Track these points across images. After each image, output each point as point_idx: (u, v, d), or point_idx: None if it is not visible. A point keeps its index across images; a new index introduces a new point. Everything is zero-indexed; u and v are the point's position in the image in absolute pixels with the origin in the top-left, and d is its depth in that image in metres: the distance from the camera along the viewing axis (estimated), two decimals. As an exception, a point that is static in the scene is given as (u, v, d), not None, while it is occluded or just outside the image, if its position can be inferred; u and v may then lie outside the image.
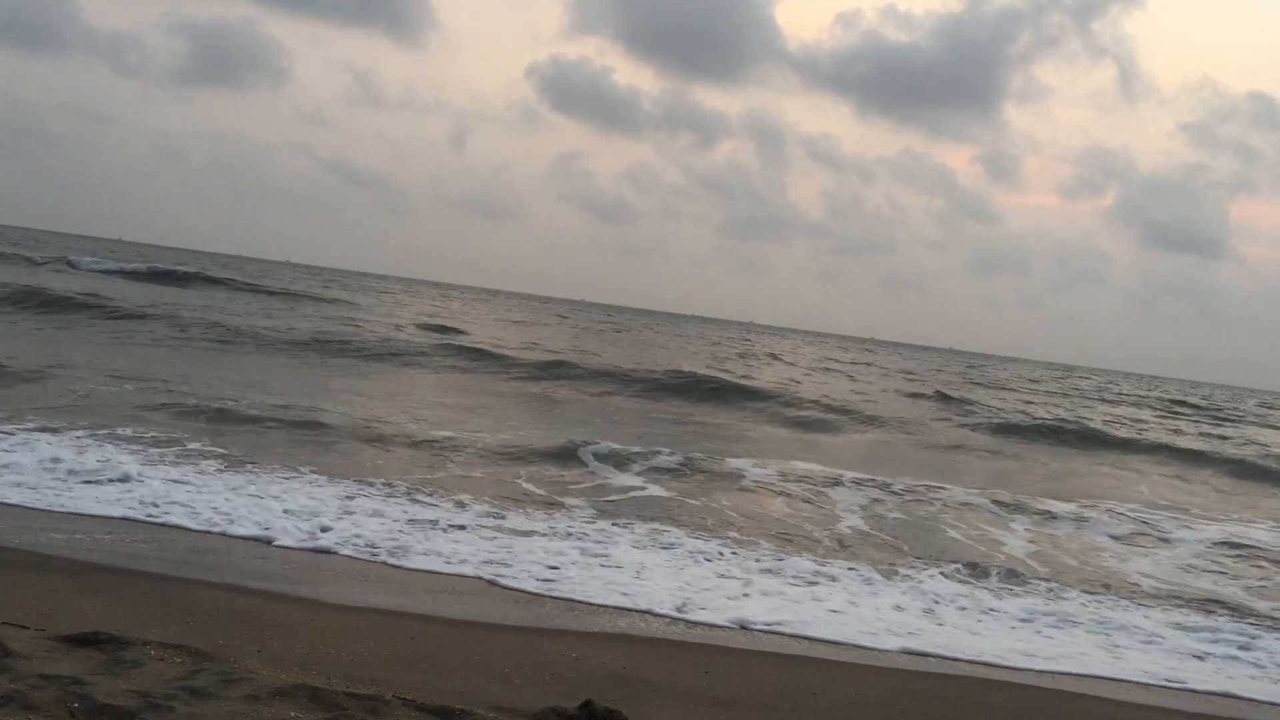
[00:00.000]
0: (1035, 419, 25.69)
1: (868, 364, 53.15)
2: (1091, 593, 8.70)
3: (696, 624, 6.56)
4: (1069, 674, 6.46)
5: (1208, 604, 8.81)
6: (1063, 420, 26.12)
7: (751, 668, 5.74)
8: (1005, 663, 6.47)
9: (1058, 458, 20.12)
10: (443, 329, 33.84)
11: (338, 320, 31.95)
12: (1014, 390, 43.66)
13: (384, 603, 6.17)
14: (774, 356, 47.71)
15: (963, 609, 7.72)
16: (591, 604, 6.72)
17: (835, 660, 6.17)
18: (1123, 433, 25.58)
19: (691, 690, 5.10)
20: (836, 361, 50.74)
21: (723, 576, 7.78)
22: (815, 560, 8.69)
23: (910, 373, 48.70)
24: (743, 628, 6.58)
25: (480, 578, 7.01)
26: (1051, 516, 12.38)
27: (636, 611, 6.64)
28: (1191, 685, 6.49)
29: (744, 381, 25.83)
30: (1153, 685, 6.44)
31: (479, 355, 25.73)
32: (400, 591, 6.50)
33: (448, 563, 7.29)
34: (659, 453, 13.24)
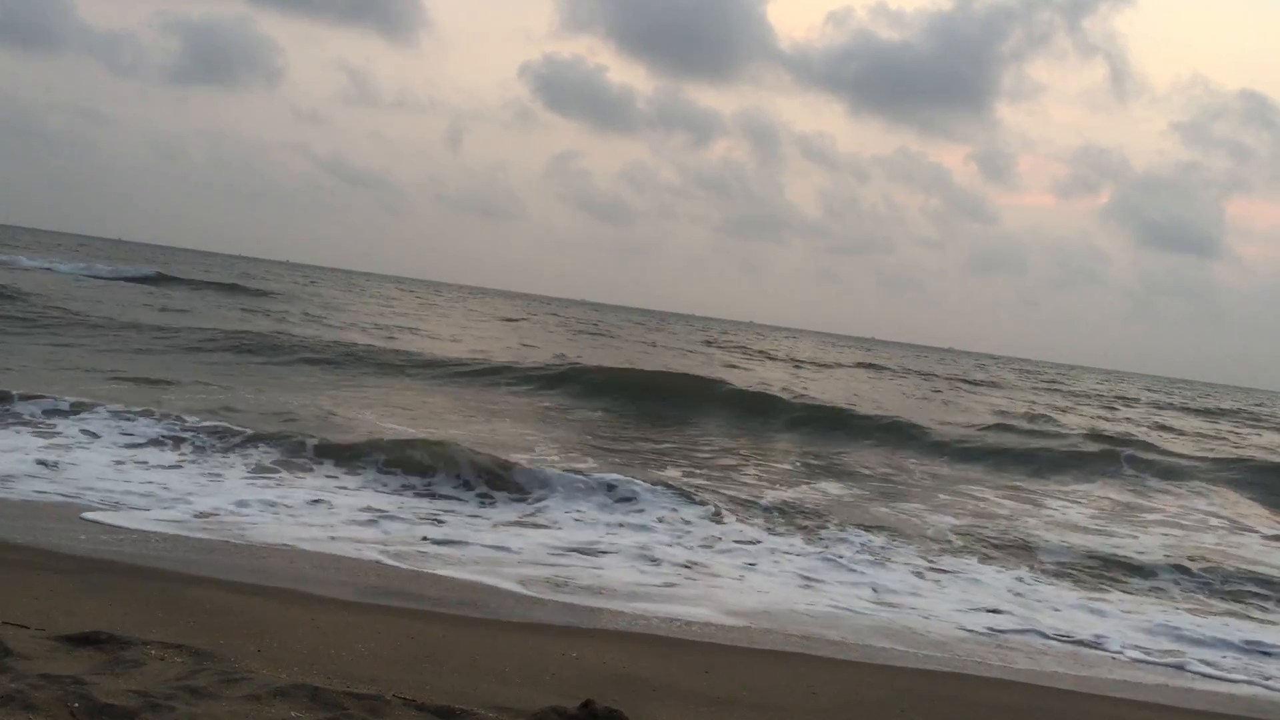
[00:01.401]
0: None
1: (870, 364, 53.10)
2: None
3: (694, 623, 6.58)
4: (1070, 674, 6.49)
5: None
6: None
7: (751, 667, 5.74)
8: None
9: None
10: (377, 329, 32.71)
11: (241, 317, 30.58)
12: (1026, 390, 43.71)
13: (384, 602, 6.17)
14: (765, 354, 47.57)
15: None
16: (587, 606, 6.75)
17: (836, 659, 6.18)
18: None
19: (692, 690, 5.10)
20: (814, 361, 48.97)
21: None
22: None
23: (908, 372, 48.72)
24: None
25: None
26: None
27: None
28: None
29: (704, 377, 23.87)
30: (1148, 684, 6.46)
31: (391, 354, 22.85)
32: (402, 592, 6.51)
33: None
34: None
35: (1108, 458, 18.00)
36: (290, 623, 5.28)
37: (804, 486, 13.05)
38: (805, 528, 9.93)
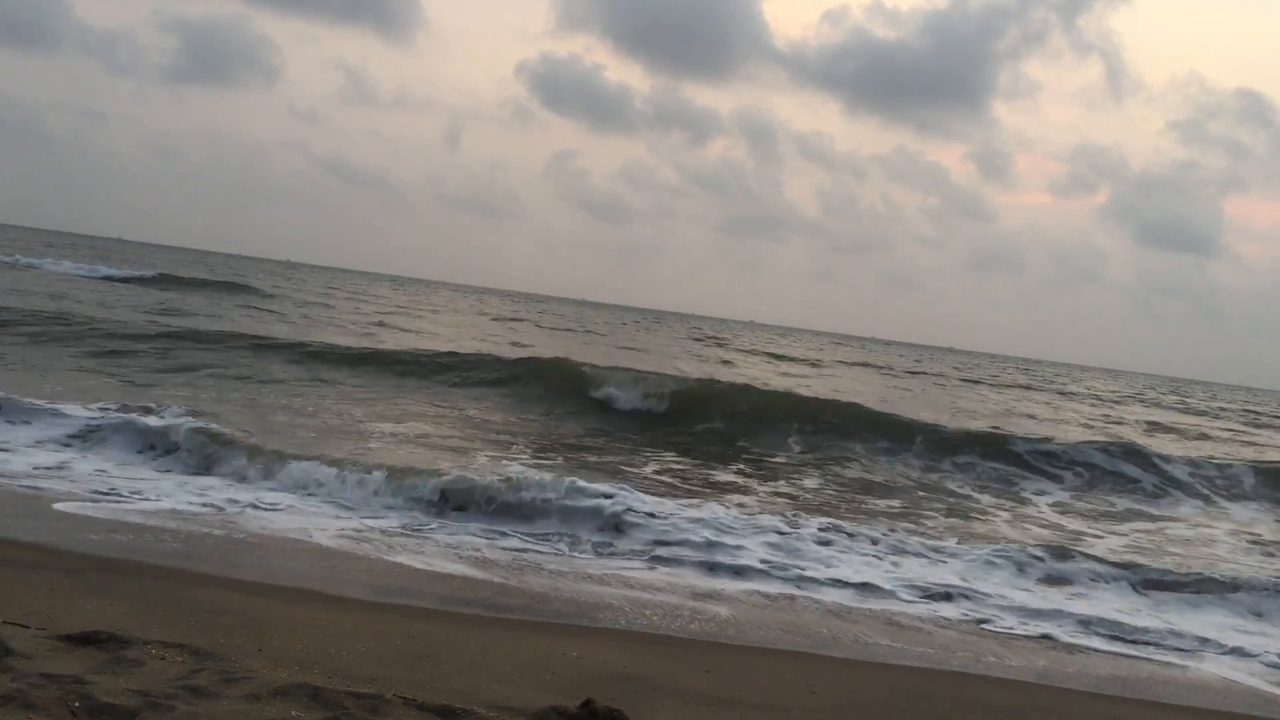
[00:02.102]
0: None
1: (866, 362, 52.95)
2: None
3: (695, 618, 6.59)
4: (1068, 672, 6.50)
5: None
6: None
7: (752, 666, 5.75)
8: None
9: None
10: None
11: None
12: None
13: (384, 600, 6.18)
14: (752, 352, 46.90)
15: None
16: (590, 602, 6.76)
17: (836, 658, 6.19)
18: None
19: (692, 689, 5.10)
20: (803, 358, 46.74)
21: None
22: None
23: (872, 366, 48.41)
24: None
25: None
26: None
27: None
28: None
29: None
30: (1144, 682, 6.47)
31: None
32: (404, 590, 6.51)
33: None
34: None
35: (1093, 455, 17.84)
36: (290, 622, 5.29)
37: (764, 480, 13.06)
38: (756, 512, 10.09)
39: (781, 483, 13.01)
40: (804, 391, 22.49)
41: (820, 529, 9.68)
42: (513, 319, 51.70)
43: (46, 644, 4.22)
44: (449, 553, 7.71)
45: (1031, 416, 26.80)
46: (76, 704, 3.55)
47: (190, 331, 20.90)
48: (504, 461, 11.68)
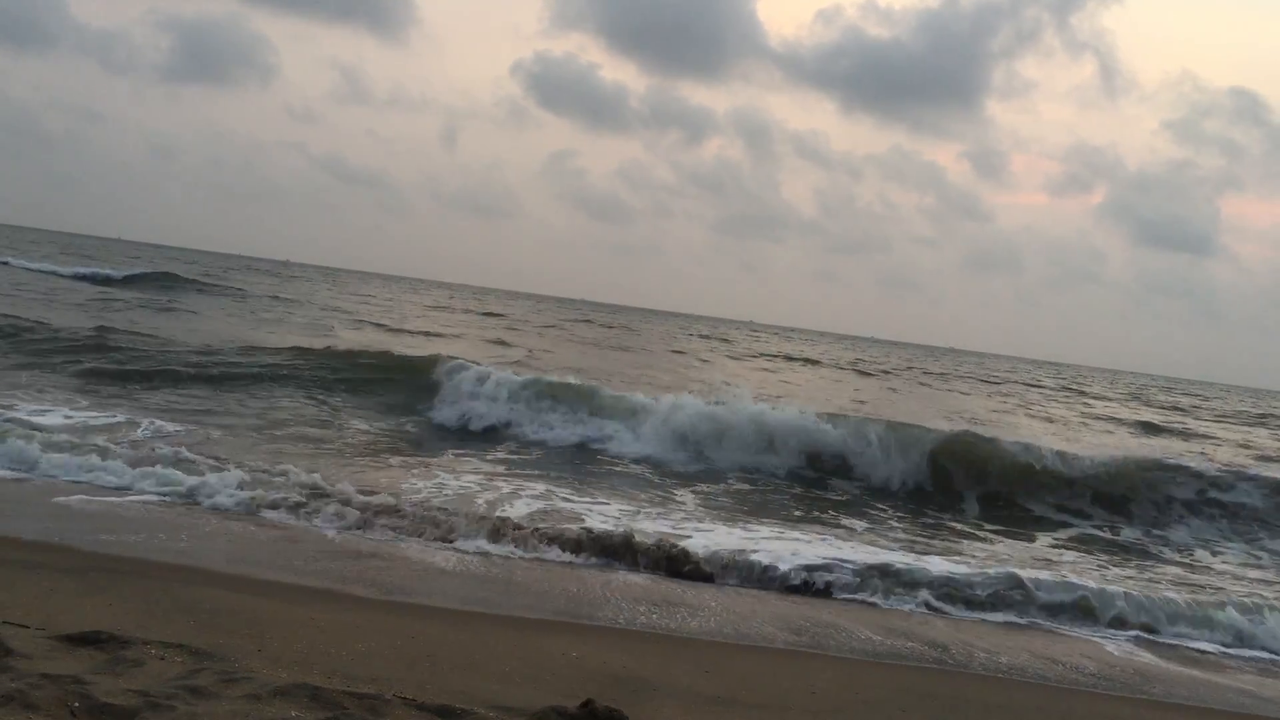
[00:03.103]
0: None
1: (859, 359, 52.93)
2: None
3: (696, 613, 6.58)
4: (1067, 674, 6.50)
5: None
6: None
7: (752, 666, 5.75)
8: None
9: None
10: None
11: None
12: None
13: (384, 599, 6.18)
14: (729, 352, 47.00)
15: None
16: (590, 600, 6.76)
17: (836, 658, 6.19)
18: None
19: (692, 689, 5.10)
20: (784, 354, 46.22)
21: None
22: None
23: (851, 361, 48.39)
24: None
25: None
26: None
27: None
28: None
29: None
30: (1143, 682, 6.47)
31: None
32: (403, 588, 6.51)
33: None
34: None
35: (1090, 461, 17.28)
36: (290, 622, 5.28)
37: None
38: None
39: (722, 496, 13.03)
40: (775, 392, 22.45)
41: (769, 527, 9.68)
42: (500, 316, 51.52)
43: (46, 644, 4.21)
44: (449, 552, 7.72)
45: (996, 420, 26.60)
46: (76, 704, 3.55)
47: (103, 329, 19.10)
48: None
